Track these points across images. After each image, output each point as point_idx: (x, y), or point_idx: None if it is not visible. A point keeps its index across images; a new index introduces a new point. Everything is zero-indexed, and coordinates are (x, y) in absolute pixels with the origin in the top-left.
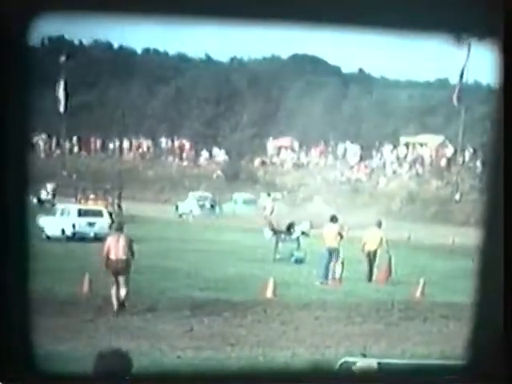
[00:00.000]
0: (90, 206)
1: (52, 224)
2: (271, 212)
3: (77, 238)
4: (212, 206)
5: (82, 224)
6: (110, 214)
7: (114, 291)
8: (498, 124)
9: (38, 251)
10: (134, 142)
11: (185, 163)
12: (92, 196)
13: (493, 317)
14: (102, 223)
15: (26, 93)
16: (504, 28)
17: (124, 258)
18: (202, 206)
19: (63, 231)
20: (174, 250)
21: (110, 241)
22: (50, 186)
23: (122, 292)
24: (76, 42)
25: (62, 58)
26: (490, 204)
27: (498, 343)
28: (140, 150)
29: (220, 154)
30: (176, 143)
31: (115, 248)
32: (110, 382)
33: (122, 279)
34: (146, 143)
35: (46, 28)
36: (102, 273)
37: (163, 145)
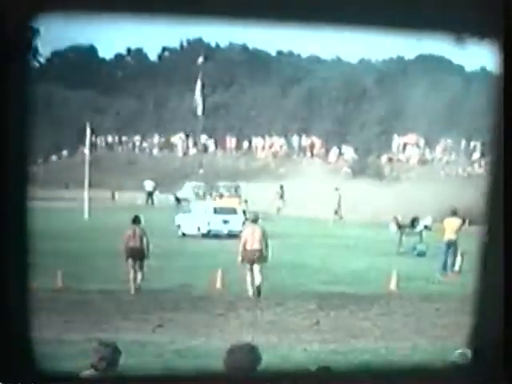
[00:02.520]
0: (225, 203)
1: (188, 221)
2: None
3: (211, 235)
4: (204, 194)
5: (216, 221)
6: (244, 212)
7: (249, 280)
8: (498, 124)
9: (174, 248)
10: (268, 141)
11: (315, 160)
12: (226, 194)
13: (493, 316)
14: (236, 220)
15: (26, 93)
16: (504, 28)
17: (259, 248)
18: (196, 194)
19: (199, 229)
20: (303, 245)
21: (246, 232)
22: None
23: (258, 280)
24: (213, 44)
25: (200, 60)
26: (491, 201)
27: (498, 343)
28: (273, 149)
29: (349, 151)
30: (307, 141)
31: (251, 239)
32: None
33: (256, 268)
34: (278, 141)
35: (48, 27)
36: (234, 268)
37: (295, 143)
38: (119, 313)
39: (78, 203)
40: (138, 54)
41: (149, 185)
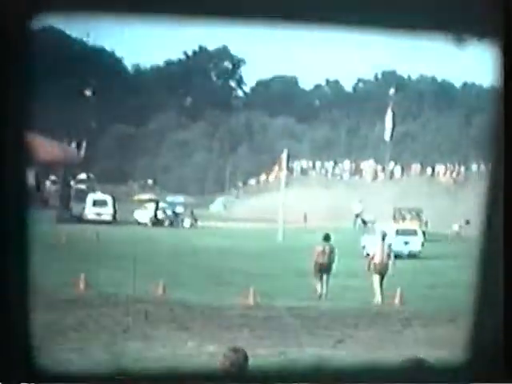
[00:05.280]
0: (407, 225)
1: (372, 242)
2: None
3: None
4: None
5: (398, 242)
6: (424, 233)
7: (377, 289)
8: (497, 125)
9: (359, 268)
10: (449, 167)
11: None
12: (408, 216)
13: (493, 316)
14: (416, 241)
15: (25, 94)
16: (504, 28)
17: (386, 262)
18: (224, 206)
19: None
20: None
21: (376, 248)
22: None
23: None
24: (405, 76)
25: (392, 91)
26: (490, 204)
27: (498, 343)
28: (453, 175)
29: None
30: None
31: (380, 254)
32: (113, 383)
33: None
34: (458, 168)
35: (48, 28)
36: (412, 287)
37: (474, 169)
38: (304, 328)
39: (273, 225)
40: (334, 85)
41: (357, 207)
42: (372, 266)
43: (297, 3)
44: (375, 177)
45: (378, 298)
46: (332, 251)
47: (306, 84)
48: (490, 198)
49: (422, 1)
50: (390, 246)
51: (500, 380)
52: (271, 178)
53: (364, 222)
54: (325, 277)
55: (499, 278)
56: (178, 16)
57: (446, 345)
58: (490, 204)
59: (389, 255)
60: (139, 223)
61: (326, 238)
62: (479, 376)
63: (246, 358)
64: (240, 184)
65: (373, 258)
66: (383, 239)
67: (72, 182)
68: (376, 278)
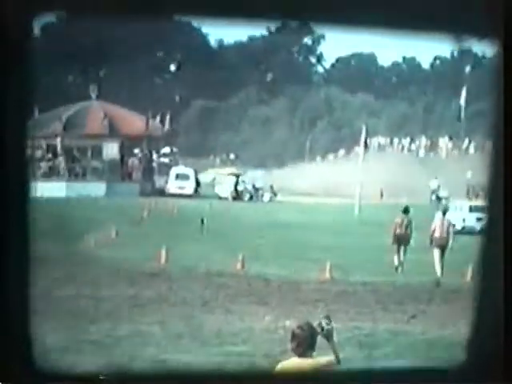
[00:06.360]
0: (480, 202)
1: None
2: None
3: (465, 231)
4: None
5: (471, 219)
6: None
7: (437, 261)
8: (498, 124)
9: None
10: None
11: None
12: (481, 193)
13: (493, 316)
14: None
15: (26, 93)
16: (504, 28)
17: (446, 236)
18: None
19: (454, 226)
20: None
21: (437, 222)
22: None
23: (441, 263)
24: (480, 54)
25: (467, 69)
26: (491, 202)
27: (498, 343)
28: None
29: None
30: None
31: (440, 228)
32: (114, 382)
33: (442, 253)
34: None
35: (49, 28)
36: (485, 264)
37: None
38: (378, 303)
39: (350, 200)
40: (411, 62)
41: (433, 183)
42: (432, 240)
43: None
44: (449, 154)
45: (438, 272)
46: (410, 223)
47: (384, 61)
48: (491, 197)
49: (422, 1)
50: (449, 220)
51: (500, 380)
52: (349, 153)
53: (439, 199)
54: (402, 248)
55: (499, 279)
56: None
57: None
58: (490, 204)
59: (449, 230)
60: (220, 197)
61: (405, 210)
62: (479, 376)
63: (312, 334)
64: (319, 158)
65: (433, 231)
66: (444, 214)
67: (155, 156)
68: (436, 252)
